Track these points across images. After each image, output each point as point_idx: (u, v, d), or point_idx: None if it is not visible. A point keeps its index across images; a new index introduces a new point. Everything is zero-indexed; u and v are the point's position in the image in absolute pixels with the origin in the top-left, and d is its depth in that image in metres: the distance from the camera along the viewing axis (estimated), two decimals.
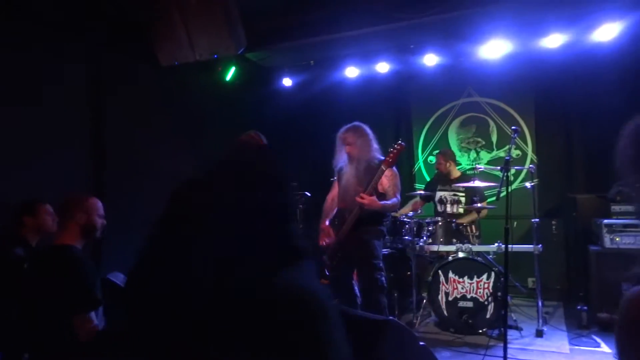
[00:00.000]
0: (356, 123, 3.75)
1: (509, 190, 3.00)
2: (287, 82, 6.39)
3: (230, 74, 5.88)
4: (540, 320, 4.07)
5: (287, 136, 5.99)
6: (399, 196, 3.68)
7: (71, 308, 2.21)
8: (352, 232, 3.63)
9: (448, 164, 4.97)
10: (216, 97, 5.74)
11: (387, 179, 3.61)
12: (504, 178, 3.00)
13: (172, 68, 4.84)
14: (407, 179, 6.13)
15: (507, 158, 3.06)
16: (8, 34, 3.62)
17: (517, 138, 5.26)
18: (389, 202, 3.61)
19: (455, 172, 5.06)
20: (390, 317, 2.59)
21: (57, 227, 2.54)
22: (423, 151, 6.30)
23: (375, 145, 3.75)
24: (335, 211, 3.94)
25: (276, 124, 5.72)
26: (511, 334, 3.97)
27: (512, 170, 5.48)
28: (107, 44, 4.37)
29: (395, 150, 3.52)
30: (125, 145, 4.59)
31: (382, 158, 3.69)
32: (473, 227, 4.57)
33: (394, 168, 3.67)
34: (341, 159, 3.76)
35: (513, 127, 3.36)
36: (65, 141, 4.11)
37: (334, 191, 3.92)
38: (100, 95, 4.50)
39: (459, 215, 4.75)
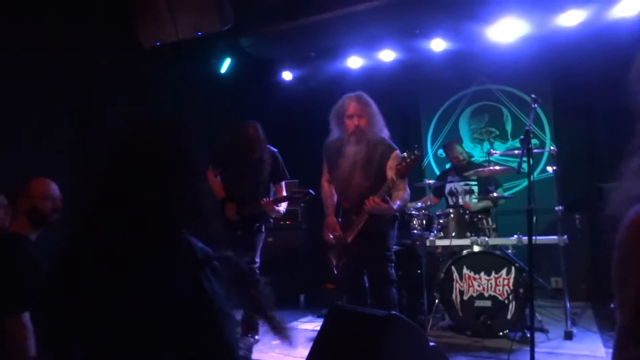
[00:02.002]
0: (360, 92, 3.16)
1: (531, 162, 2.59)
2: (287, 75, 6.07)
3: (225, 66, 5.58)
4: (569, 321, 3.61)
5: (288, 132, 5.64)
6: (407, 186, 3.13)
7: (2, 307, 1.85)
8: (361, 234, 3.10)
9: (459, 152, 4.57)
10: (212, 91, 5.43)
11: (392, 169, 3.00)
12: (526, 150, 2.59)
13: (166, 62, 4.57)
14: (416, 174, 5.71)
15: (527, 128, 2.65)
16: None
17: (533, 127, 4.86)
18: (399, 200, 2.99)
19: (466, 160, 4.65)
20: (393, 312, 2.20)
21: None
22: (432, 144, 5.90)
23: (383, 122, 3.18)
24: (335, 203, 3.47)
25: (276, 120, 5.37)
26: (536, 336, 3.50)
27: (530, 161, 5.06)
28: (94, 36, 4.12)
29: (409, 160, 2.87)
30: None
31: (390, 142, 3.13)
32: (489, 219, 4.14)
33: (399, 153, 3.09)
34: (337, 135, 3.18)
35: (532, 96, 2.95)
36: (50, 137, 3.90)
37: (327, 174, 3.35)
38: (86, 90, 4.26)
39: (473, 206, 4.32)
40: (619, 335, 0.77)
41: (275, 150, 3.77)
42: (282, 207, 3.67)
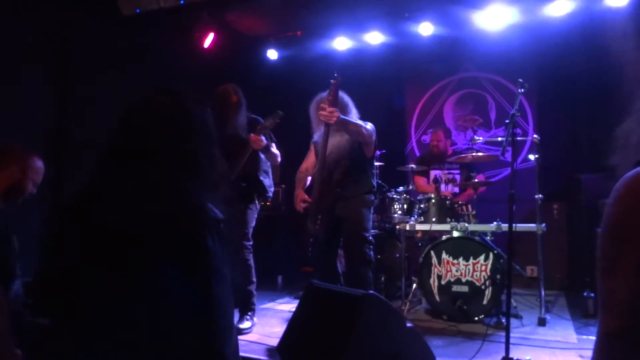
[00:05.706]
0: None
1: (515, 145, 2.57)
2: (272, 54, 5.93)
3: (209, 40, 5.42)
4: (543, 309, 3.64)
5: (271, 112, 5.54)
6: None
7: None
8: (333, 189, 3.22)
9: (448, 142, 4.58)
10: (194, 67, 5.27)
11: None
12: (509, 134, 2.56)
13: (145, 34, 4.40)
14: (399, 160, 5.68)
15: (512, 112, 2.62)
16: None
17: (518, 113, 4.85)
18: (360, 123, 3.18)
19: (449, 150, 4.66)
20: (371, 292, 2.17)
21: None
22: (416, 130, 5.87)
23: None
24: (310, 181, 3.54)
25: (260, 99, 5.23)
26: (511, 322, 3.53)
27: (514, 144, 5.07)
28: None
29: (332, 87, 3.02)
30: (90, 124, 4.15)
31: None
32: (469, 205, 4.14)
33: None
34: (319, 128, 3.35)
35: (519, 80, 2.92)
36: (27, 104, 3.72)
37: (309, 161, 3.52)
38: (63, 57, 4.09)
39: (455, 195, 4.32)
40: (602, 344, 0.59)
41: (260, 118, 3.56)
42: (274, 147, 3.52)
